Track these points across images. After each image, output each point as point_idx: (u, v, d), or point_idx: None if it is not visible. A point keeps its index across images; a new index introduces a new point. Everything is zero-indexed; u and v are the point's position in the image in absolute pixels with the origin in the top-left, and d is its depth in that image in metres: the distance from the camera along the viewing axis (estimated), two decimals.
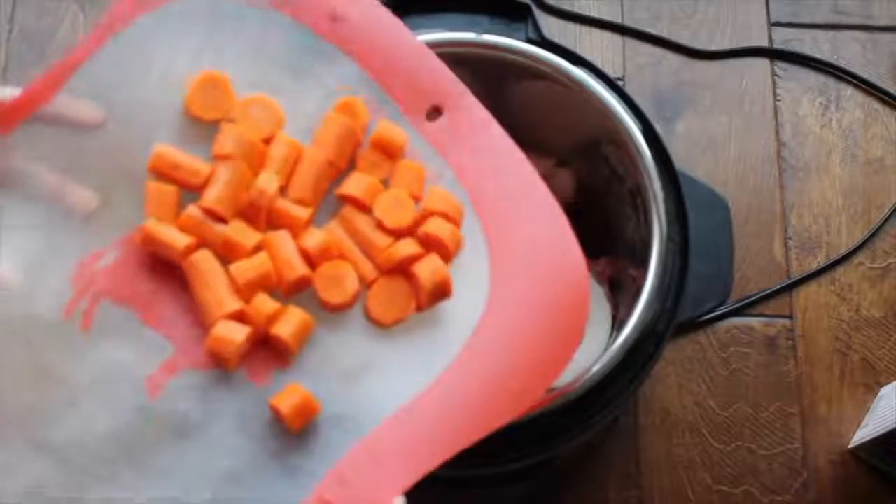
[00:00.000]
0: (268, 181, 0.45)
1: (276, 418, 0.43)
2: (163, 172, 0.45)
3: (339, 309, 0.45)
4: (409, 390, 0.44)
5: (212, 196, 0.45)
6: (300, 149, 0.47)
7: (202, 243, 0.45)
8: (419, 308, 0.46)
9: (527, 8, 0.66)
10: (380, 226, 0.46)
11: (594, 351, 0.66)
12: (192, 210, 0.45)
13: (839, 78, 0.88)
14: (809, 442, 0.76)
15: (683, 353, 0.78)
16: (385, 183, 0.48)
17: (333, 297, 0.45)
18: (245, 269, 0.44)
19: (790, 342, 0.79)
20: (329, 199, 0.47)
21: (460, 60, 0.64)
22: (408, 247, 0.46)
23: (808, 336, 0.79)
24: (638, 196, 0.62)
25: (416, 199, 0.47)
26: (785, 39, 0.89)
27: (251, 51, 0.47)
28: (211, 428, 0.43)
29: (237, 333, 0.43)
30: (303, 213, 0.46)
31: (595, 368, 0.56)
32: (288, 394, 0.43)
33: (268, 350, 0.44)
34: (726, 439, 0.76)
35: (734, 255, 0.65)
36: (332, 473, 0.42)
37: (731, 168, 0.84)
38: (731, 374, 0.78)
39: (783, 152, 0.85)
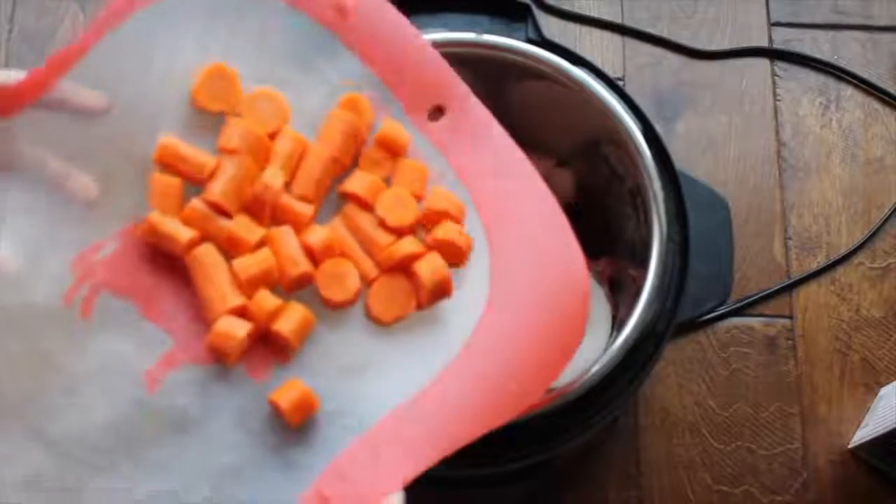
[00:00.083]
0: (273, 177, 0.45)
1: (275, 414, 0.43)
2: (168, 164, 0.45)
3: (341, 306, 0.45)
4: (408, 388, 0.44)
5: (217, 190, 0.45)
6: (305, 144, 0.47)
7: (205, 237, 0.45)
8: (419, 306, 0.46)
9: (527, 8, 0.65)
10: (382, 224, 0.46)
11: (594, 351, 0.66)
12: (196, 203, 0.45)
13: (839, 78, 0.88)
14: (809, 442, 0.76)
15: (683, 353, 0.78)
16: (387, 181, 0.48)
17: (335, 294, 0.45)
18: (248, 264, 0.44)
19: (790, 342, 0.79)
20: (331, 195, 0.47)
21: (460, 60, 0.63)
22: (409, 245, 0.46)
23: (808, 336, 0.79)
24: (638, 196, 0.62)
25: (418, 199, 0.47)
26: (785, 39, 0.89)
27: (256, 42, 0.47)
28: (210, 423, 0.43)
29: (239, 329, 0.43)
30: (306, 209, 0.46)
31: (595, 368, 0.56)
32: (287, 389, 0.43)
33: (267, 346, 0.44)
34: (726, 439, 0.76)
35: (734, 255, 0.65)
36: (330, 469, 0.42)
37: (731, 168, 0.84)
38: (731, 374, 0.78)
39: (783, 152, 0.85)
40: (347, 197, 0.47)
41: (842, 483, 0.75)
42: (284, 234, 0.45)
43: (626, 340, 0.57)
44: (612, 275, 0.71)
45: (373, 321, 0.46)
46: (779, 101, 0.87)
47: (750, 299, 0.80)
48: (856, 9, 0.90)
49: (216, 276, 0.44)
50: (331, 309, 0.46)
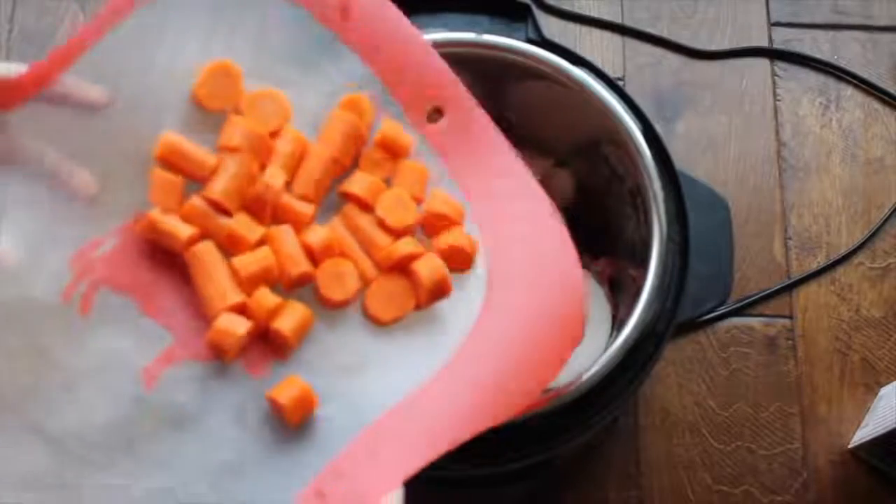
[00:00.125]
0: (274, 176, 0.45)
1: (274, 411, 0.43)
2: (169, 161, 0.45)
3: (340, 306, 0.46)
4: (407, 386, 0.44)
5: (218, 188, 0.45)
6: (305, 144, 0.47)
7: (205, 234, 0.45)
8: (418, 306, 0.46)
9: (527, 8, 0.65)
10: (381, 224, 0.47)
11: (594, 351, 0.66)
12: (197, 201, 0.45)
13: (839, 78, 0.88)
14: (809, 442, 0.76)
15: (683, 353, 0.78)
16: (387, 182, 0.48)
17: (335, 293, 0.45)
18: (248, 262, 0.44)
19: (790, 342, 0.79)
20: (331, 195, 0.48)
21: (460, 60, 0.63)
22: (408, 245, 0.46)
23: (808, 336, 0.79)
24: (638, 196, 0.62)
25: (418, 201, 0.47)
26: (785, 39, 0.89)
27: (257, 40, 0.47)
28: (208, 420, 0.43)
29: (239, 326, 0.43)
30: (307, 209, 0.46)
31: (595, 368, 0.56)
32: (286, 386, 0.43)
33: (266, 343, 0.44)
34: (726, 439, 0.76)
35: (734, 255, 0.65)
36: (328, 466, 0.42)
37: (731, 168, 0.84)
38: (731, 374, 0.78)
39: (783, 152, 0.85)
40: (347, 197, 0.47)
41: (842, 483, 0.75)
42: (284, 233, 0.45)
43: (626, 340, 0.57)
44: (612, 275, 0.71)
45: (371, 321, 0.46)
46: (779, 101, 0.87)
47: (750, 299, 0.80)
48: (856, 9, 0.90)
49: (216, 274, 0.44)
50: (329, 308, 0.46)
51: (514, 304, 0.46)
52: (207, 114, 0.46)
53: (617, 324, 0.67)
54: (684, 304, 0.59)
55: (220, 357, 0.44)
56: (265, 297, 0.44)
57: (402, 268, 0.46)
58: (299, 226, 0.46)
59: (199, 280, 0.44)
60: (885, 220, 0.83)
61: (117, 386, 0.42)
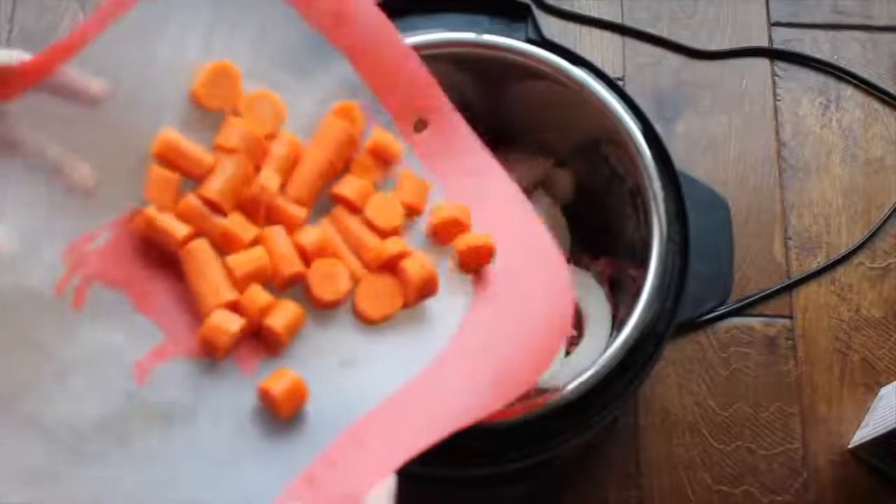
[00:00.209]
0: (269, 179, 0.46)
1: (265, 403, 0.43)
2: (167, 159, 0.45)
3: (331, 306, 0.46)
4: (396, 381, 0.45)
5: (214, 187, 0.45)
6: (299, 148, 0.47)
7: (199, 233, 0.45)
8: (406, 305, 0.47)
9: (527, 8, 0.66)
10: (369, 225, 0.48)
11: (594, 351, 0.66)
12: (192, 199, 0.45)
13: (839, 78, 0.88)
14: (809, 442, 0.76)
15: (683, 353, 0.78)
16: (377, 187, 0.49)
17: (326, 293, 0.46)
18: (243, 261, 0.45)
19: (790, 342, 0.79)
20: (320, 197, 0.48)
21: (460, 60, 0.64)
22: (395, 245, 0.47)
23: (808, 336, 0.79)
24: (638, 196, 0.62)
25: (418, 211, 0.48)
26: (785, 39, 0.89)
27: (256, 42, 0.48)
28: (199, 414, 0.43)
29: (232, 323, 0.43)
30: (300, 212, 0.47)
31: (595, 368, 0.56)
32: (278, 377, 0.43)
33: (257, 341, 0.45)
34: (726, 439, 0.76)
35: (734, 255, 0.65)
36: (319, 457, 0.42)
37: (731, 168, 0.84)
38: (731, 374, 0.78)
39: (783, 152, 0.85)
40: (337, 199, 0.49)
41: (842, 483, 0.75)
42: (277, 233, 0.46)
43: (626, 340, 0.57)
44: (612, 275, 0.71)
45: (360, 319, 0.47)
46: (779, 101, 0.87)
47: (750, 299, 0.80)
48: (856, 9, 0.90)
49: (209, 271, 0.44)
50: (320, 308, 0.46)
51: (502, 300, 0.48)
52: (206, 112, 0.46)
53: (617, 324, 0.67)
54: (684, 304, 0.59)
55: (211, 354, 0.44)
56: (258, 295, 0.44)
57: (390, 267, 0.47)
58: (291, 228, 0.47)
59: (193, 277, 0.44)
60: (885, 220, 0.83)
61: (109, 380, 0.43)
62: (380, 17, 0.49)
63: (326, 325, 0.46)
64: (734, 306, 0.79)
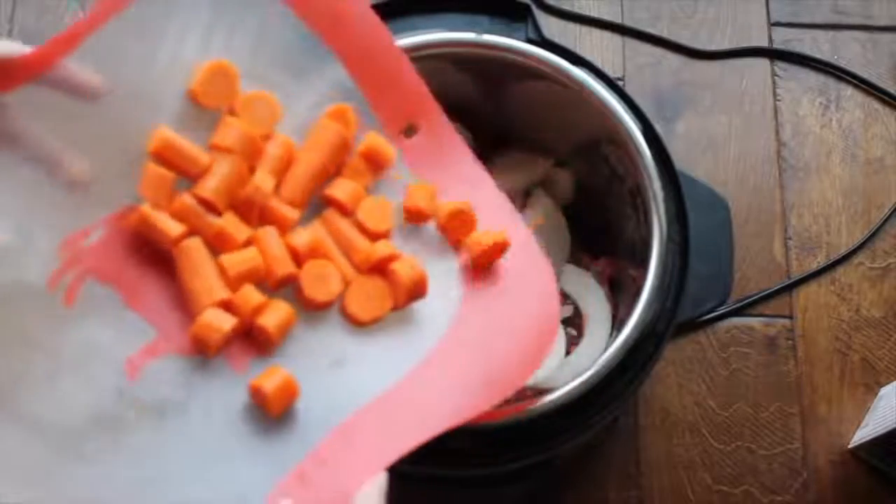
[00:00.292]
0: (264, 180, 0.46)
1: (256, 401, 0.44)
2: (163, 157, 0.45)
3: (322, 307, 0.47)
4: (385, 381, 0.45)
5: (209, 187, 0.45)
6: (293, 149, 0.48)
7: (193, 231, 0.45)
8: (396, 307, 0.48)
9: (527, 8, 0.66)
10: (360, 228, 0.48)
11: (594, 351, 0.66)
12: (187, 198, 0.45)
13: (839, 78, 0.88)
14: (809, 442, 0.76)
15: (683, 353, 0.78)
16: (368, 190, 0.49)
17: (318, 294, 0.46)
18: (236, 261, 0.45)
19: (790, 342, 0.79)
20: (312, 199, 0.49)
21: (460, 60, 0.64)
22: (386, 247, 0.48)
23: (808, 336, 0.79)
24: (638, 196, 0.62)
25: (426, 217, 0.49)
26: (785, 39, 0.89)
27: (254, 42, 0.48)
28: (189, 412, 0.43)
29: (225, 322, 0.44)
30: (293, 213, 0.47)
31: (595, 368, 0.56)
32: (269, 374, 0.43)
33: (249, 340, 0.45)
34: (726, 439, 0.76)
35: (734, 255, 0.65)
36: (309, 454, 0.43)
37: (731, 168, 0.84)
38: (731, 374, 0.78)
39: (783, 152, 0.85)
40: (329, 202, 0.49)
41: (842, 483, 0.75)
42: (270, 234, 0.46)
43: (626, 340, 0.57)
44: (612, 275, 0.71)
45: (350, 321, 0.47)
46: (779, 101, 0.87)
47: (750, 299, 0.80)
48: (856, 9, 0.90)
49: (203, 270, 0.45)
50: (311, 308, 0.46)
51: (490, 302, 0.48)
52: (202, 111, 0.46)
53: (617, 324, 0.67)
54: (684, 304, 0.59)
55: (203, 352, 0.44)
56: (251, 295, 0.45)
57: (380, 269, 0.48)
58: (284, 229, 0.47)
59: (186, 275, 0.45)
60: (885, 220, 0.83)
61: (100, 376, 0.43)
62: (374, 21, 0.49)
63: (317, 325, 0.47)
64: (734, 306, 0.79)
